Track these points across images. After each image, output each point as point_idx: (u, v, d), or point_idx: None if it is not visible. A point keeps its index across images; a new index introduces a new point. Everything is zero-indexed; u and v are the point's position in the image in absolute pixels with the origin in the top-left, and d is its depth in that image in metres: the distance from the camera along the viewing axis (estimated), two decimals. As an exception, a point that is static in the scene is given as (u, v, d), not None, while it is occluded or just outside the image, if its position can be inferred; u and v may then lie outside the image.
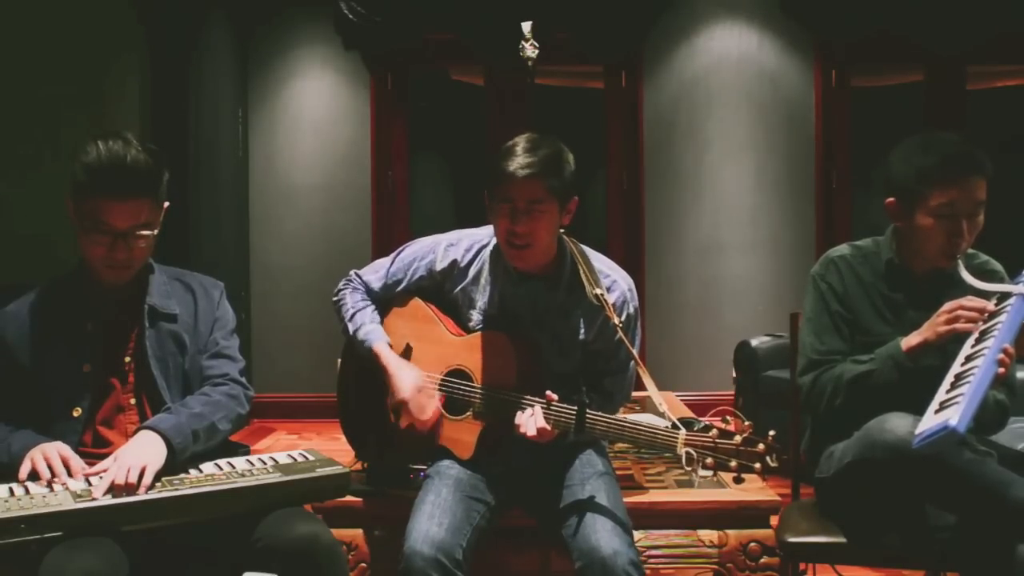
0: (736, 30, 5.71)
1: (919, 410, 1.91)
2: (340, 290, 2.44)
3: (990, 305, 2.02)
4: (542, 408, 2.08)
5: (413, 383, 2.26)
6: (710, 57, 5.73)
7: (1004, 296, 2.04)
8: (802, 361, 2.28)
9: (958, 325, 2.01)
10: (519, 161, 2.13)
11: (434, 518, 2.06)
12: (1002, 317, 1.97)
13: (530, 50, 3.76)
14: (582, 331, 2.26)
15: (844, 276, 2.26)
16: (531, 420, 2.07)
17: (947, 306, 2.05)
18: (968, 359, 1.94)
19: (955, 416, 1.76)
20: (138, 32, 4.63)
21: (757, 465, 1.88)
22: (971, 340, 1.99)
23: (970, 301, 2.03)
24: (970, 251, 2.20)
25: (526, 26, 3.78)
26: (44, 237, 4.08)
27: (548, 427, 2.06)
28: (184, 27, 4.97)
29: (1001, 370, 1.88)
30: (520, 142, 2.18)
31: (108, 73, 4.54)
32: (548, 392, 2.08)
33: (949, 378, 1.94)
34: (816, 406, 2.21)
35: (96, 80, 4.51)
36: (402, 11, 5.64)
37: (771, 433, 1.91)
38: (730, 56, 5.72)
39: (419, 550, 1.99)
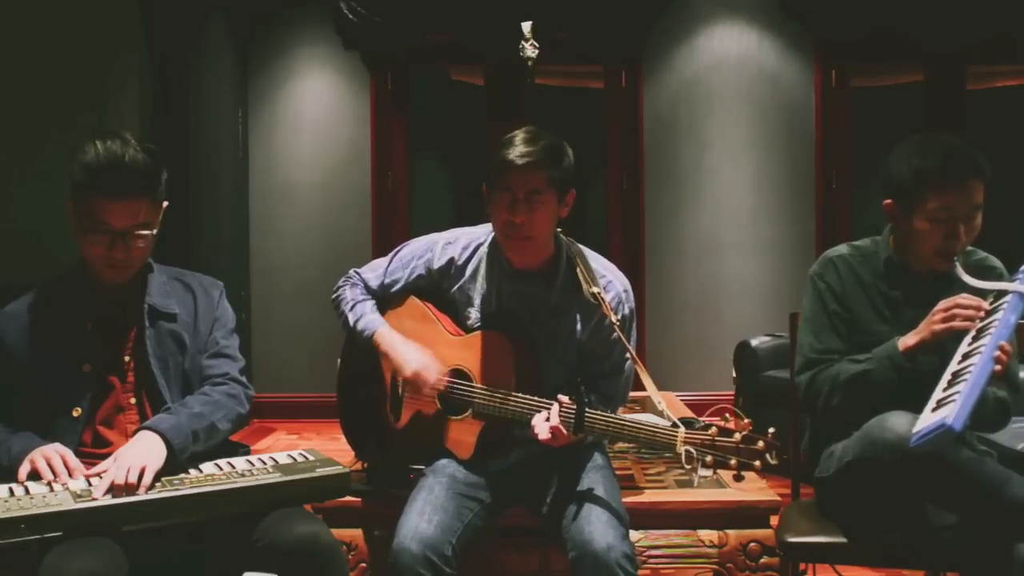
0: (736, 30, 5.71)
1: (918, 409, 1.91)
2: (339, 286, 2.45)
3: (985, 303, 2.02)
4: (545, 408, 2.08)
5: (417, 353, 2.25)
6: (710, 57, 5.73)
7: (1000, 294, 2.03)
8: (799, 360, 2.28)
9: (955, 323, 2.01)
10: (519, 150, 2.14)
11: (424, 515, 2.06)
12: (998, 315, 1.96)
13: (530, 50, 3.76)
14: (578, 329, 2.26)
15: (842, 275, 2.26)
16: (544, 424, 2.06)
17: (942, 304, 2.04)
18: (965, 357, 1.94)
19: (951, 414, 1.76)
20: (139, 32, 4.63)
21: (757, 462, 1.88)
22: (968, 338, 1.99)
23: (965, 299, 2.02)
24: (969, 248, 2.20)
25: (526, 26, 3.78)
26: (44, 237, 4.09)
27: (563, 429, 2.04)
28: (184, 27, 4.97)
29: (998, 367, 1.87)
30: (520, 133, 2.19)
31: (109, 73, 4.54)
32: (560, 396, 2.08)
33: (946, 376, 1.93)
34: (813, 405, 2.21)
35: (97, 80, 4.51)
36: (402, 11, 5.64)
37: (771, 430, 1.91)
38: (730, 56, 5.72)
39: (407, 547, 2.00)
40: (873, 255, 2.28)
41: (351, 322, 2.36)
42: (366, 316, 2.35)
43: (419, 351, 2.27)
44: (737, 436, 1.90)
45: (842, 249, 2.33)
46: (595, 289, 2.18)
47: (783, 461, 1.91)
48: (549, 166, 2.15)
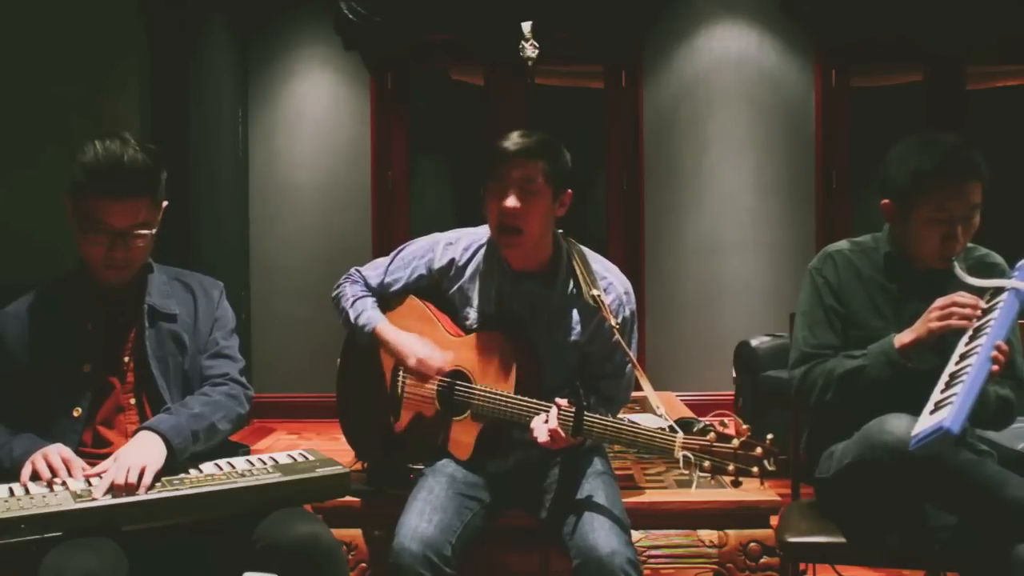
0: (736, 30, 5.71)
1: (916, 408, 1.91)
2: (340, 284, 2.45)
3: (982, 302, 2.02)
4: (544, 411, 2.08)
5: (420, 341, 2.26)
6: (710, 57, 5.73)
7: (997, 291, 2.03)
8: (794, 354, 2.28)
9: (952, 321, 2.00)
10: (514, 140, 2.17)
11: (424, 515, 2.06)
12: (995, 313, 1.96)
13: (530, 50, 3.77)
14: (578, 331, 2.26)
15: (840, 270, 2.26)
16: (543, 426, 2.06)
17: (939, 302, 2.04)
18: (962, 357, 1.93)
19: (949, 417, 1.76)
20: (140, 33, 4.64)
21: (754, 469, 1.87)
22: (965, 338, 1.98)
23: (962, 297, 2.02)
24: (970, 245, 2.20)
25: (526, 26, 3.78)
26: (44, 237, 4.09)
27: (561, 432, 2.04)
28: (185, 28, 4.97)
29: (995, 367, 1.87)
30: (517, 130, 2.22)
31: (110, 74, 4.55)
32: (558, 399, 2.07)
33: (944, 377, 1.93)
34: (807, 399, 2.21)
35: (98, 80, 4.51)
36: (402, 11, 5.64)
37: (769, 436, 1.90)
38: (730, 56, 5.72)
39: (407, 546, 2.00)
40: (873, 250, 2.28)
41: (352, 318, 2.36)
42: (367, 312, 2.35)
43: (422, 340, 2.27)
44: (735, 442, 1.89)
45: (842, 244, 2.33)
46: (595, 292, 2.17)
47: (782, 463, 1.90)
48: (544, 158, 2.16)
